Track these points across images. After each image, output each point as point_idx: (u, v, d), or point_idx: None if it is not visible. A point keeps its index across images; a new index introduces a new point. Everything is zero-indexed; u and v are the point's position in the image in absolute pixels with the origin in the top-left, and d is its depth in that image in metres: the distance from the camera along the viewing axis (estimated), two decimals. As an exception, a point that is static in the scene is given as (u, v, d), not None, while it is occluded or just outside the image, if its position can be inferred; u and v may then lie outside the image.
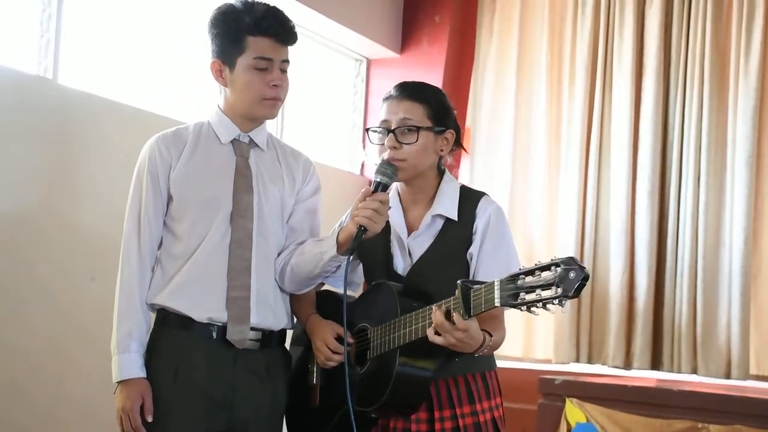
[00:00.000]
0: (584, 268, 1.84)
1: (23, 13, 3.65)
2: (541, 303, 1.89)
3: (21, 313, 3.44)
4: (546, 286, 1.87)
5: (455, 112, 2.42)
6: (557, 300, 1.86)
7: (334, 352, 2.31)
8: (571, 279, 1.83)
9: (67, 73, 3.77)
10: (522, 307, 1.93)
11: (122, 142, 3.68)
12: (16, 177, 3.44)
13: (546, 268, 1.88)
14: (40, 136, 3.55)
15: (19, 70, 3.57)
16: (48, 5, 3.69)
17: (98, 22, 3.97)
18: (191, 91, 4.37)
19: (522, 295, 1.91)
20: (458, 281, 2.05)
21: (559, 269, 1.85)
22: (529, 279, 1.91)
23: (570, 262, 1.85)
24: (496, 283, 1.96)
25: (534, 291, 1.89)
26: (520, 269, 1.95)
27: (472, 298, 2.01)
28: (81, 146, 3.70)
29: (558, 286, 1.84)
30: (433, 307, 2.09)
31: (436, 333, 2.07)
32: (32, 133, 3.51)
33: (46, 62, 3.70)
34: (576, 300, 5.21)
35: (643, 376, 5.06)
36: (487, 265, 2.27)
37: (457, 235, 2.32)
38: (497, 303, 1.95)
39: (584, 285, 1.84)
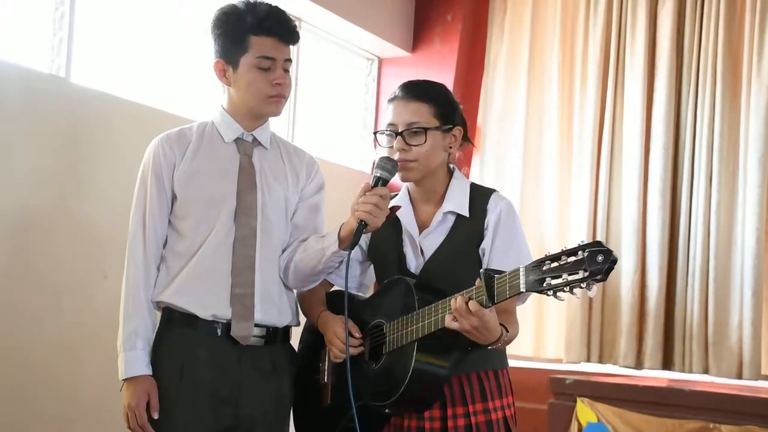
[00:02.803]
0: (612, 251, 1.82)
1: (36, 12, 3.67)
2: (568, 287, 1.86)
3: (32, 316, 3.45)
4: (573, 271, 1.85)
5: (461, 106, 2.41)
6: (585, 283, 1.84)
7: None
8: (600, 262, 1.81)
9: (80, 72, 3.79)
10: (549, 292, 1.90)
11: (135, 141, 3.66)
12: (28, 176, 3.46)
13: (572, 252, 1.86)
14: (53, 134, 3.57)
15: (32, 69, 3.59)
16: (61, 4, 3.72)
17: (111, 21, 3.99)
18: (204, 91, 4.37)
19: (548, 280, 1.89)
20: (481, 270, 2.04)
21: (586, 253, 1.83)
22: (554, 264, 1.89)
23: (597, 246, 1.83)
24: (521, 269, 1.95)
25: (560, 276, 1.87)
26: (546, 254, 1.93)
27: (496, 286, 2.00)
28: (93, 145, 3.71)
29: (586, 270, 1.83)
30: (456, 296, 2.08)
31: (453, 319, 2.07)
32: (45, 132, 3.53)
33: (58, 61, 3.72)
34: (587, 300, 5.21)
35: (654, 375, 5.05)
36: (500, 259, 2.26)
37: (468, 231, 2.32)
38: (523, 288, 1.94)
39: (612, 268, 1.82)
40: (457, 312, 2.05)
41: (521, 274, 1.94)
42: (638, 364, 5.12)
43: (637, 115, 5.25)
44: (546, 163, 5.57)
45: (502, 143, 5.67)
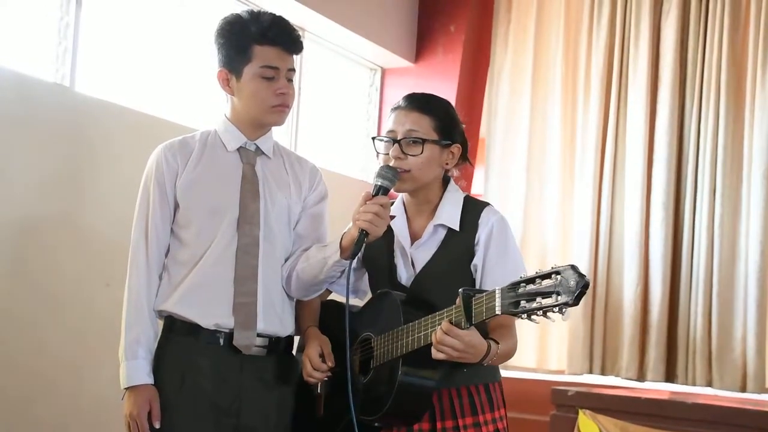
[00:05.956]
0: (584, 276, 1.84)
1: (41, 21, 3.68)
2: (541, 311, 1.89)
3: (34, 324, 3.44)
4: (546, 294, 1.87)
5: (463, 125, 2.42)
6: (557, 308, 1.86)
7: (316, 369, 2.33)
8: (571, 286, 1.83)
9: (84, 81, 3.80)
10: (522, 315, 1.93)
11: (138, 150, 3.66)
12: (31, 184, 3.46)
13: (547, 276, 1.88)
14: (57, 143, 3.57)
15: (37, 78, 3.59)
16: (66, 13, 3.72)
17: (115, 30, 4.00)
18: (208, 100, 4.38)
19: (523, 303, 1.91)
20: (459, 289, 2.05)
21: (559, 277, 1.85)
22: (530, 287, 1.91)
23: (570, 270, 1.85)
24: (497, 291, 1.97)
25: (535, 299, 1.89)
26: (521, 277, 1.95)
27: (473, 306, 2.02)
28: (98, 153, 3.72)
29: (558, 294, 1.84)
30: (436, 316, 2.10)
31: (439, 351, 2.07)
32: (48, 140, 3.53)
33: (63, 70, 3.73)
34: (590, 311, 5.20)
35: (657, 388, 5.03)
36: (494, 274, 2.26)
37: (459, 246, 2.32)
38: (498, 311, 1.96)
39: (584, 293, 1.84)
40: (439, 344, 2.05)
41: (497, 296, 1.96)
42: (641, 377, 5.11)
43: (640, 127, 5.24)
44: (549, 175, 5.56)
45: (506, 154, 5.66)
